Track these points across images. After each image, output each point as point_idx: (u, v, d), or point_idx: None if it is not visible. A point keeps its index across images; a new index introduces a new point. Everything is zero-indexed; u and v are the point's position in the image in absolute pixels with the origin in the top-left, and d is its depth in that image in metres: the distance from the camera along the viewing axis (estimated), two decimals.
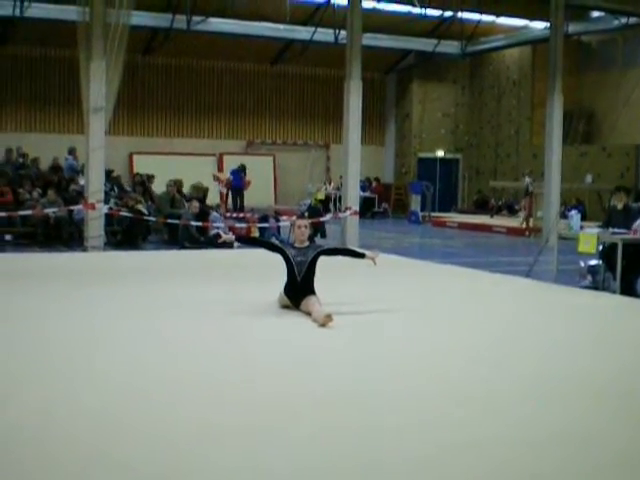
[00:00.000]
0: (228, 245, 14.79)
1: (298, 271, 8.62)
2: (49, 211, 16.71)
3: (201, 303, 9.09)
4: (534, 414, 5.33)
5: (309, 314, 8.25)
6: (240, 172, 24.85)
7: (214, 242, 15.76)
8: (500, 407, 5.48)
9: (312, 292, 8.58)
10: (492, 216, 26.94)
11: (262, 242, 10.05)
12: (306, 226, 9.04)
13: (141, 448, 4.52)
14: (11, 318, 8.16)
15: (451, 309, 9.40)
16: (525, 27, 26.64)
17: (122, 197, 19.32)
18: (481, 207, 29.27)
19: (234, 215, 20.36)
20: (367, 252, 9.09)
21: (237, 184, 24.78)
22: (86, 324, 7.90)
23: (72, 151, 22.60)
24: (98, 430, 4.79)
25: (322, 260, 8.78)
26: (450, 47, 27.84)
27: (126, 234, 17.22)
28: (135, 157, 26.46)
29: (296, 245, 8.89)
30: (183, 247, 16.83)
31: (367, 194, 28.71)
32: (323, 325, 7.83)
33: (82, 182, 17.99)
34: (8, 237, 16.39)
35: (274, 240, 10.46)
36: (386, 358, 6.82)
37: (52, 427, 4.81)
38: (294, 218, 11.44)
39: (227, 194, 25.17)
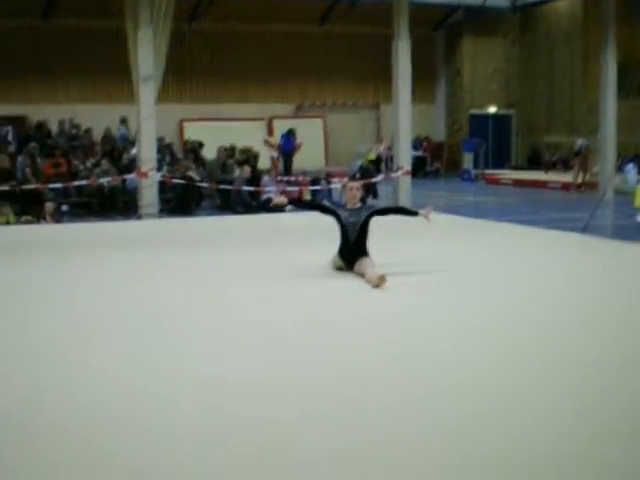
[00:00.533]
0: (280, 209, 14.83)
1: (351, 233, 8.65)
2: (103, 181, 16.91)
3: (255, 266, 9.18)
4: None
5: (362, 276, 8.28)
6: (290, 136, 24.80)
7: (266, 206, 15.85)
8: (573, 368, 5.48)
9: (365, 254, 8.60)
10: (546, 172, 26.62)
11: (314, 205, 10.08)
12: (358, 188, 9.05)
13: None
14: (75, 285, 8.33)
15: (508, 268, 9.35)
16: None
17: (174, 164, 19.48)
18: (535, 163, 28.91)
19: (285, 179, 20.39)
20: (420, 210, 9.06)
21: (287, 147, 24.76)
22: (151, 289, 8.07)
23: (124, 121, 22.84)
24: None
25: (375, 220, 8.78)
26: (500, 0, 27.39)
27: (179, 201, 17.37)
28: (185, 124, 26.62)
29: (348, 207, 8.90)
30: (236, 212, 16.93)
31: (419, 153, 28.54)
32: (377, 286, 7.85)
33: (134, 151, 18.17)
34: (64, 207, 16.65)
35: (326, 202, 10.44)
36: (444, 318, 6.84)
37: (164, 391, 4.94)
38: (345, 180, 11.44)
39: (279, 158, 25.17)
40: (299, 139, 24.72)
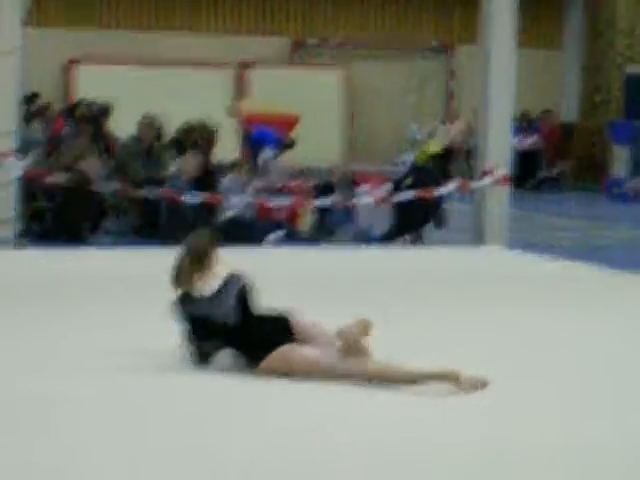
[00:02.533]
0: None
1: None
2: None
3: (178, 356, 9.08)
4: None
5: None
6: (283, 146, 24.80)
7: (230, 232, 15.89)
8: None
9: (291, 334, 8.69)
10: None
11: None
12: None
13: None
14: None
15: None
16: None
17: (53, 147, 19.48)
18: None
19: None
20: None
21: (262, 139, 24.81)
22: None
23: None
24: None
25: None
26: None
27: (61, 217, 17.36)
28: (78, 69, 26.70)
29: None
30: (165, 241, 16.85)
31: (528, 144, 28.57)
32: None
33: None
34: None
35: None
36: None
37: None
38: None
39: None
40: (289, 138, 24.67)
